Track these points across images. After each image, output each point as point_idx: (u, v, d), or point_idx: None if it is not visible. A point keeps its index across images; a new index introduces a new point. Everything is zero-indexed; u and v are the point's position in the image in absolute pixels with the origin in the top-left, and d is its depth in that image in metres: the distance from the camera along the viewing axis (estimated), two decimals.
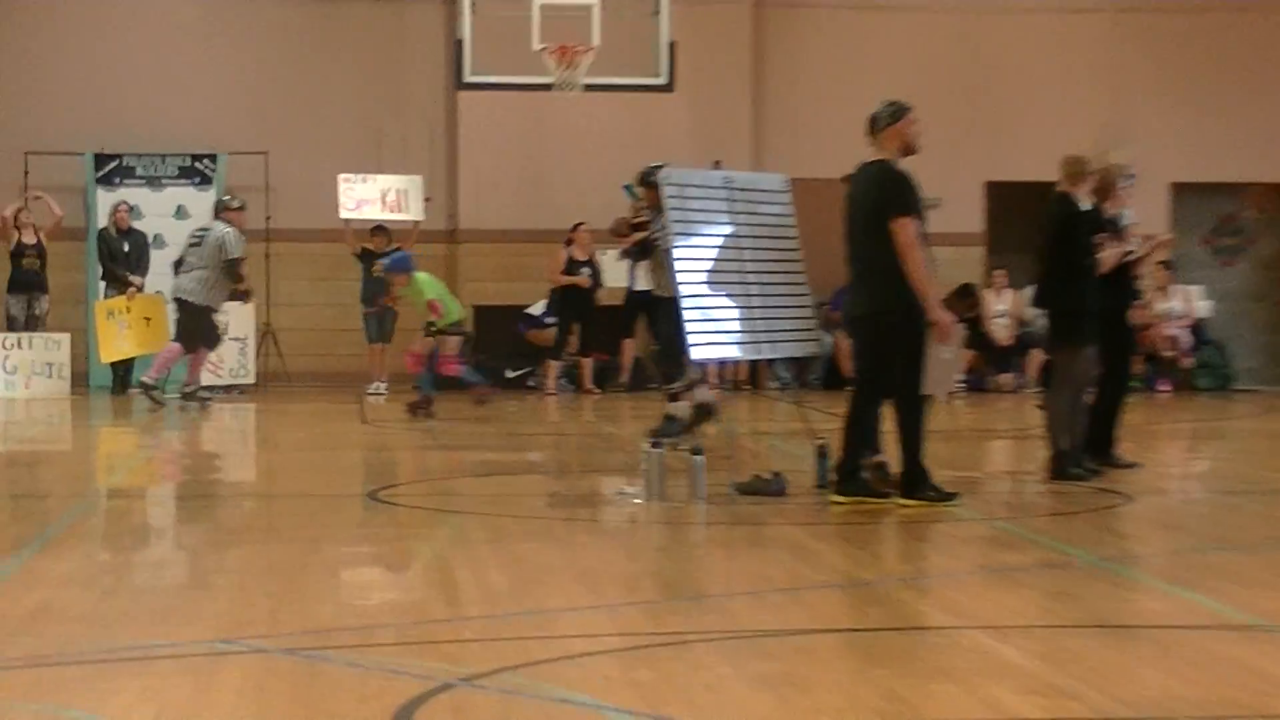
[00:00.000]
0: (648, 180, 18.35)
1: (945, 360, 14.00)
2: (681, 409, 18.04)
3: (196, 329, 23.42)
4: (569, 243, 27.14)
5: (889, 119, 14.21)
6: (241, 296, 24.18)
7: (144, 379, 23.74)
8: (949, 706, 7.84)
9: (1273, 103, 30.38)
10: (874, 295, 14.02)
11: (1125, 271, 17.06)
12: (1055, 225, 16.69)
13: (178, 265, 24.58)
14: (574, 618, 10.00)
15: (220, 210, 24.20)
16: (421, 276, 22.61)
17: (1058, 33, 30.46)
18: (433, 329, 22.60)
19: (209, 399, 23.92)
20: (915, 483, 14.17)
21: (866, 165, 14.20)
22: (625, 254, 20.38)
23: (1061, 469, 16.21)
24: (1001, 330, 29.12)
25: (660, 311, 18.44)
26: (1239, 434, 21.68)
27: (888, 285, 13.86)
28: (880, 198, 13.96)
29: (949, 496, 14.28)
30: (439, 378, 22.83)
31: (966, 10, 30.21)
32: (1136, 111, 29.73)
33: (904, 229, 13.75)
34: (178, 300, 23.89)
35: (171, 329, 24.64)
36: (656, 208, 17.79)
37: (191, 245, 24.09)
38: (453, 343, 23.02)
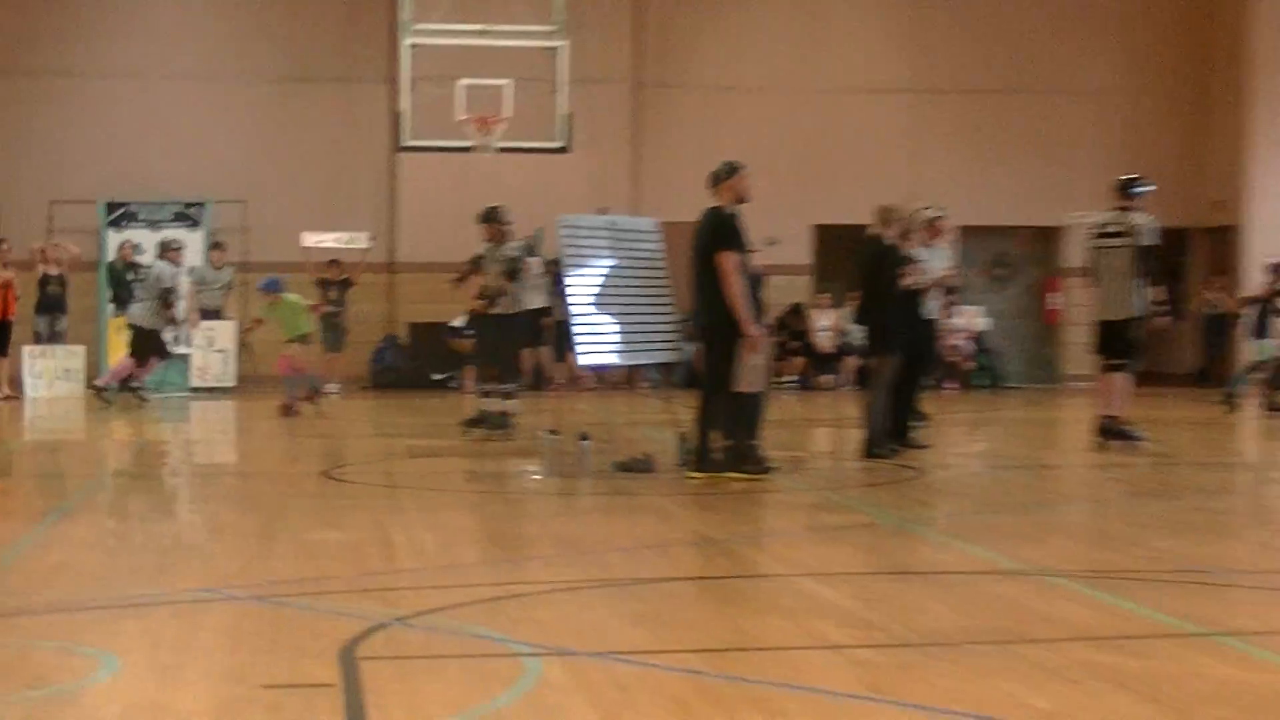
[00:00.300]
0: (487, 218, 18.55)
1: (755, 364, 14.13)
2: (512, 406, 18.17)
3: (146, 346, 23.07)
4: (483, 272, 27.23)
5: (725, 175, 14.35)
6: (172, 322, 23.68)
7: (96, 383, 23.54)
8: (783, 637, 7.95)
9: (1035, 164, 30.61)
10: (709, 311, 14.16)
11: (919, 295, 17.21)
12: (869, 260, 16.89)
13: (130, 297, 24.51)
14: (487, 570, 10.06)
15: (162, 251, 23.92)
16: (289, 296, 22.46)
17: (870, 108, 30.62)
18: (296, 338, 22.54)
19: (124, 394, 23.59)
20: (743, 458, 14.30)
21: (706, 211, 14.32)
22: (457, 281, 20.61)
23: (871, 450, 16.37)
24: (825, 340, 29.27)
25: (489, 326, 18.50)
26: (1008, 421, 21.82)
27: (718, 304, 14.03)
28: (712, 236, 14.09)
29: (768, 471, 14.40)
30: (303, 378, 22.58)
31: (798, 91, 30.35)
32: (932, 170, 29.97)
33: (726, 260, 13.90)
34: (130, 325, 23.61)
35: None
36: (496, 240, 18.03)
37: (139, 281, 23.91)
38: (303, 349, 22.90)
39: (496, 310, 18.30)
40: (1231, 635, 7.94)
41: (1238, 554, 11.39)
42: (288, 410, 21.54)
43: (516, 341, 18.77)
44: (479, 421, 18.29)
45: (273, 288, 22.31)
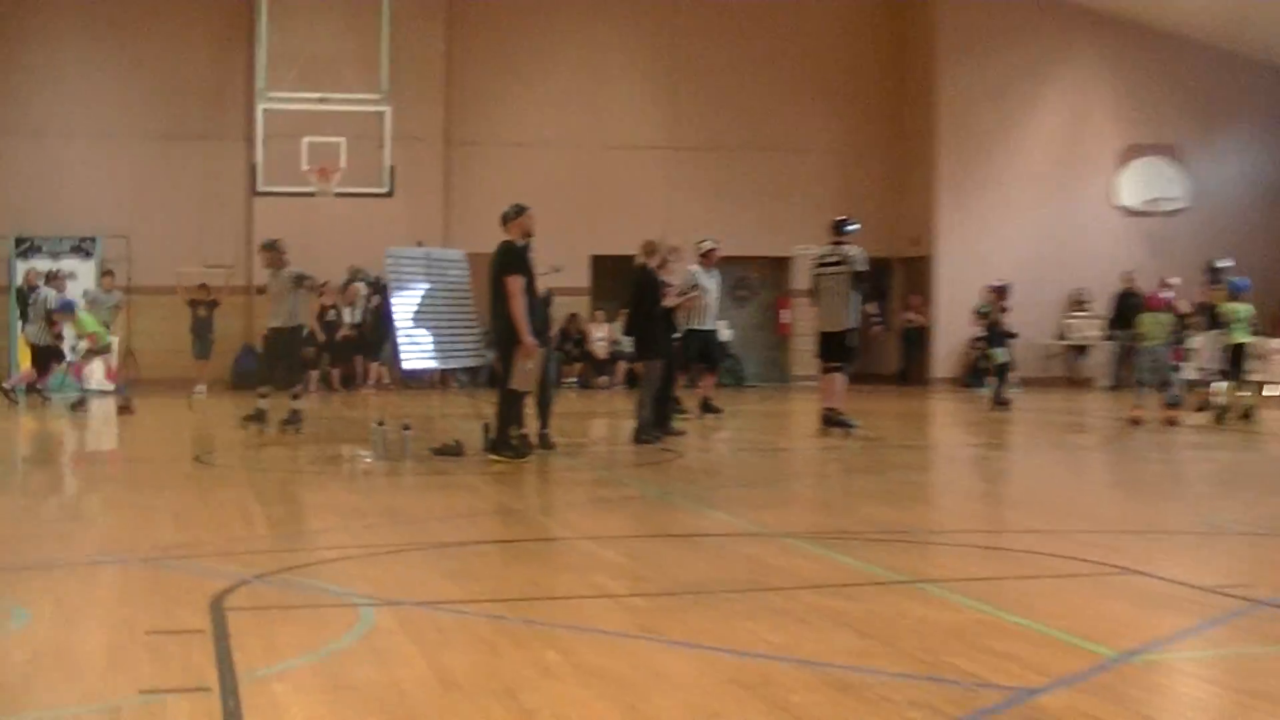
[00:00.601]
0: (267, 247, 18.41)
1: (528, 369, 14.17)
2: (300, 404, 17.99)
3: (44, 358, 22.50)
4: (322, 293, 26.97)
5: (514, 215, 14.48)
6: (59, 338, 23.10)
7: (4, 385, 22.92)
8: (569, 588, 7.96)
9: (768, 206, 30.83)
10: (500, 324, 14.20)
11: (674, 312, 17.34)
12: (636, 283, 17.00)
13: (25, 318, 23.96)
14: (329, 535, 9.97)
15: (48, 279, 23.36)
16: (83, 316, 22.01)
17: (635, 160, 30.68)
18: (90, 352, 22.11)
19: (33, 395, 22.95)
20: (501, 445, 14.31)
21: (500, 244, 14.38)
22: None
23: (639, 437, 16.42)
24: (601, 349, 29.28)
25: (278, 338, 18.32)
26: (749, 414, 21.99)
27: (506, 318, 14.06)
28: (502, 264, 14.18)
29: (524, 455, 14.43)
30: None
31: (578, 146, 30.36)
32: (686, 210, 30.12)
33: (512, 284, 14.04)
34: (30, 343, 23.02)
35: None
36: (275, 266, 17.89)
37: (31, 304, 23.32)
38: (104, 359, 22.55)
39: (276, 324, 18.07)
40: (928, 582, 8.07)
41: (932, 518, 11.59)
42: (123, 409, 21.03)
43: (295, 349, 18.52)
44: (255, 418, 18.01)
45: (67, 309, 21.84)
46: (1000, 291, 23.52)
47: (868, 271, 17.92)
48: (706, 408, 20.26)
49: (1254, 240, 31.49)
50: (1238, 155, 32.62)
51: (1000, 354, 23.15)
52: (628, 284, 17.51)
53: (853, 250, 17.85)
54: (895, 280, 32.71)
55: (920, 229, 31.45)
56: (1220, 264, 21.35)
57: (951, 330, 30.79)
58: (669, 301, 17.08)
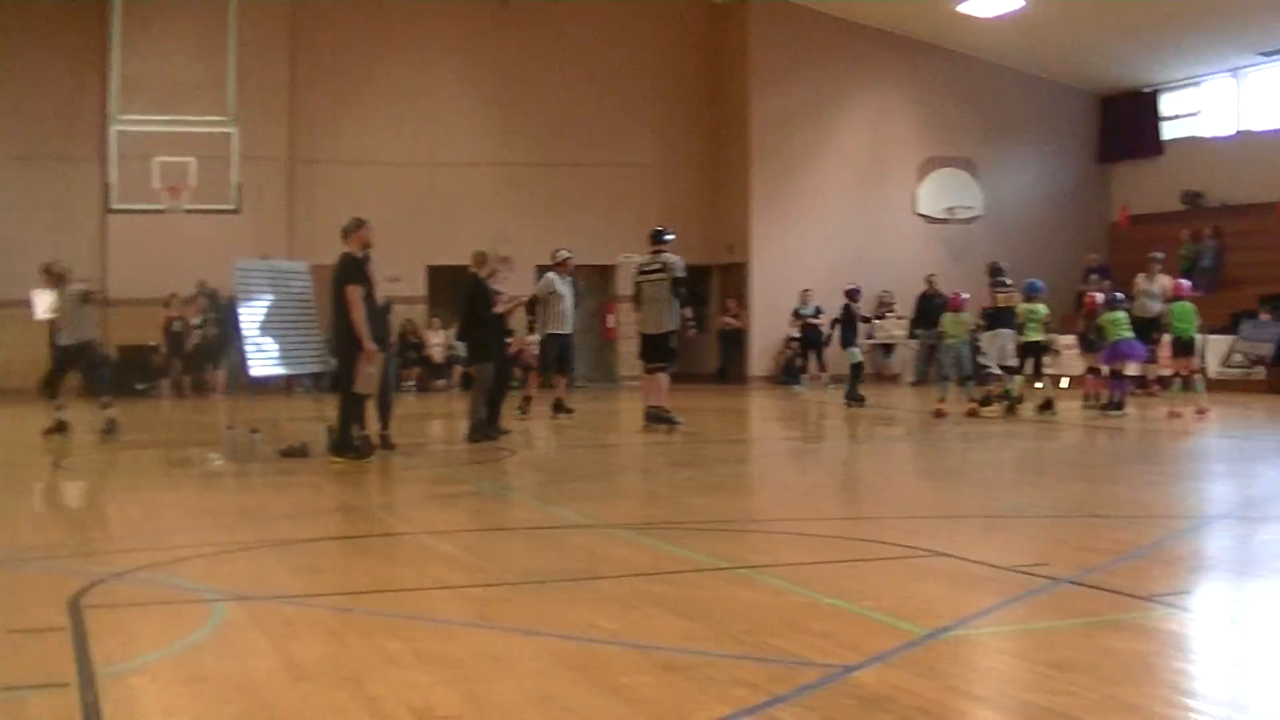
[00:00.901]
0: (43, 269, 18.25)
1: (369, 373, 14.07)
2: (112, 412, 17.67)
3: None
4: (168, 305, 26.60)
5: (353, 228, 14.39)
6: None
7: None
8: (410, 580, 7.87)
9: (595, 218, 30.88)
10: (341, 332, 14.09)
11: (505, 318, 17.26)
12: (467, 292, 16.93)
13: None
14: (182, 535, 9.79)
15: None
16: None
17: (470, 176, 30.56)
18: None
19: None
20: (343, 446, 14.20)
21: (340, 256, 14.27)
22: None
23: (474, 435, 16.33)
24: (437, 353, 29.09)
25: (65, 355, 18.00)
26: (578, 412, 21.94)
27: (346, 326, 13.97)
28: (342, 275, 14.10)
29: (365, 455, 14.33)
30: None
31: (416, 163, 30.17)
32: (518, 223, 30.07)
33: (351, 293, 13.95)
34: None
35: None
36: (56, 286, 17.73)
37: None
38: None
39: (64, 342, 17.75)
40: (748, 568, 8.09)
41: (753, 507, 11.65)
42: None
43: (91, 363, 18.15)
44: (56, 429, 17.61)
45: None
46: (852, 294, 23.63)
47: (685, 278, 18.08)
48: (558, 408, 20.20)
49: (1043, 245, 32.26)
50: (1028, 167, 33.38)
51: (855, 354, 23.32)
52: (461, 293, 17.46)
53: (671, 258, 18.01)
54: (714, 285, 32.99)
55: (736, 237, 31.71)
56: (999, 265, 21.72)
57: (766, 332, 31.14)
58: (500, 308, 17.01)
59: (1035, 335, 20.29)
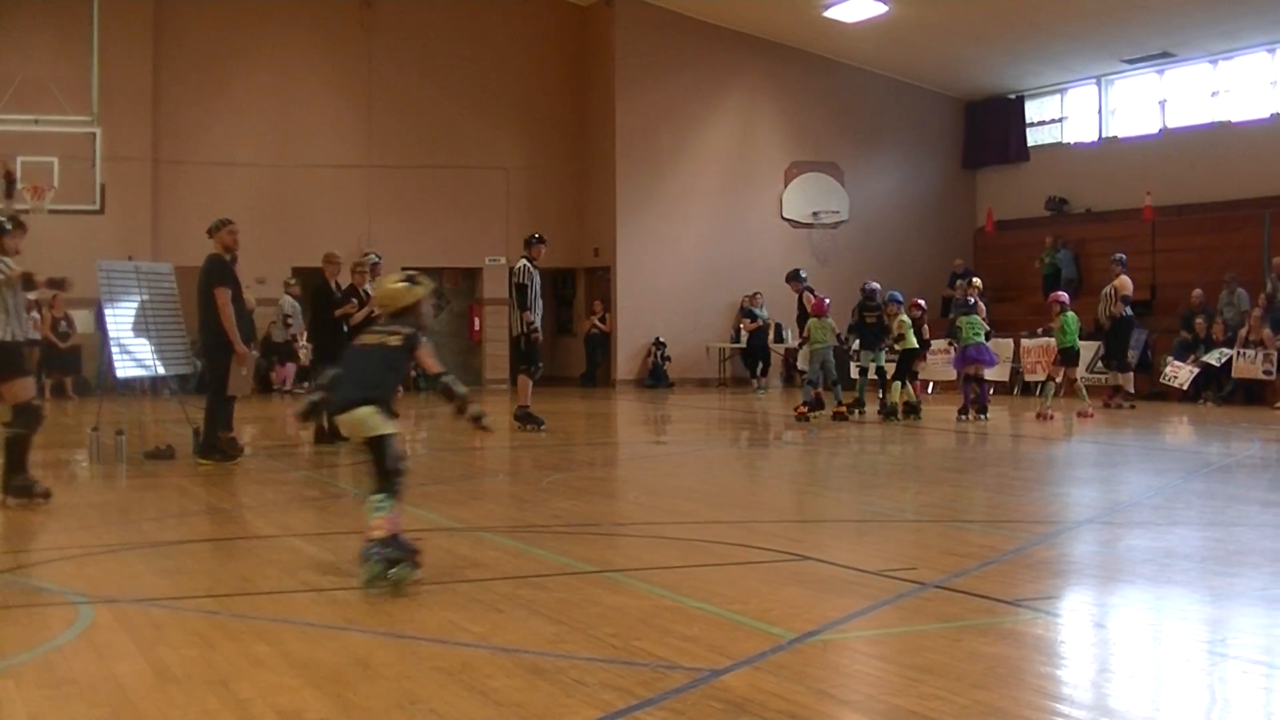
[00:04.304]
0: None
1: (241, 374, 14.06)
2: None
3: None
4: (52, 306, 26.37)
5: (217, 228, 14.41)
6: None
7: None
8: (278, 583, 7.84)
9: (463, 221, 30.87)
10: (209, 333, 14.01)
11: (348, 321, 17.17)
12: (313, 294, 17.03)
13: None
14: (47, 537, 9.74)
15: None
16: None
17: (335, 178, 30.39)
18: None
19: None
20: (209, 449, 14.12)
21: (207, 257, 14.21)
22: None
23: (332, 438, 16.14)
24: (305, 355, 28.79)
25: None
26: (444, 415, 21.77)
27: (215, 327, 13.94)
28: (208, 276, 14.11)
29: (232, 457, 14.27)
30: None
31: (281, 165, 29.99)
32: (384, 225, 30.00)
33: (220, 295, 14.03)
34: None
35: None
36: None
37: None
38: None
39: None
40: (616, 571, 8.14)
41: (619, 511, 11.69)
42: None
43: None
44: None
45: None
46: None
47: (527, 285, 18.44)
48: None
49: (910, 250, 32.79)
50: (894, 172, 33.86)
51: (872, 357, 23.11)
52: (311, 293, 17.51)
53: (517, 264, 18.40)
54: (580, 288, 33.06)
55: (602, 240, 31.82)
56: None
57: (632, 335, 31.28)
58: (351, 311, 16.95)
59: (911, 342, 20.80)
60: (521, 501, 12.08)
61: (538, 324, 18.77)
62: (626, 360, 31.54)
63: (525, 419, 18.52)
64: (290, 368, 28.85)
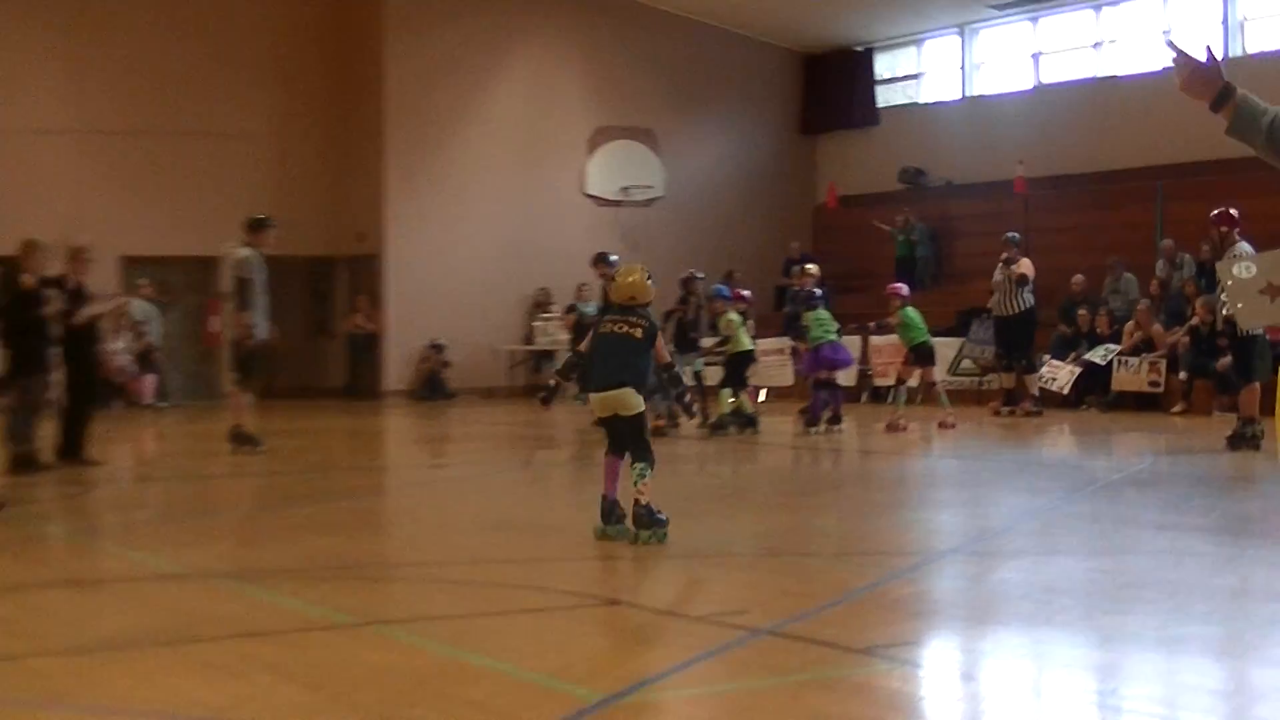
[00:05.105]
0: None
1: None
2: None
3: None
4: None
5: None
6: None
7: None
8: None
9: (192, 199, 30.35)
10: None
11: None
12: (3, 288, 16.46)
13: None
14: None
15: None
16: None
17: (33, 147, 29.68)
18: None
19: None
20: None
21: None
22: None
23: (20, 468, 15.94)
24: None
25: None
26: (174, 436, 21.52)
27: None
28: None
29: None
30: None
31: None
32: (95, 204, 29.36)
33: None
34: None
35: None
36: None
37: None
38: None
39: None
40: (383, 623, 8.04)
41: (389, 549, 11.59)
42: None
43: None
44: None
45: None
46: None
47: (249, 280, 18.29)
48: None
49: (737, 232, 33.14)
50: (718, 139, 34.21)
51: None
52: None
53: (242, 252, 18.16)
54: (340, 281, 32.79)
55: (368, 223, 31.57)
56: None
57: (405, 337, 31.10)
58: (91, 311, 16.60)
59: (745, 344, 20.85)
60: (268, 540, 11.89)
61: (262, 328, 18.49)
62: (398, 367, 31.34)
63: (241, 439, 18.37)
64: (150, 379, 28.65)
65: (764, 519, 12.65)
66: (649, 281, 11.09)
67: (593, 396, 11.03)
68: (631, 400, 10.70)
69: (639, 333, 10.80)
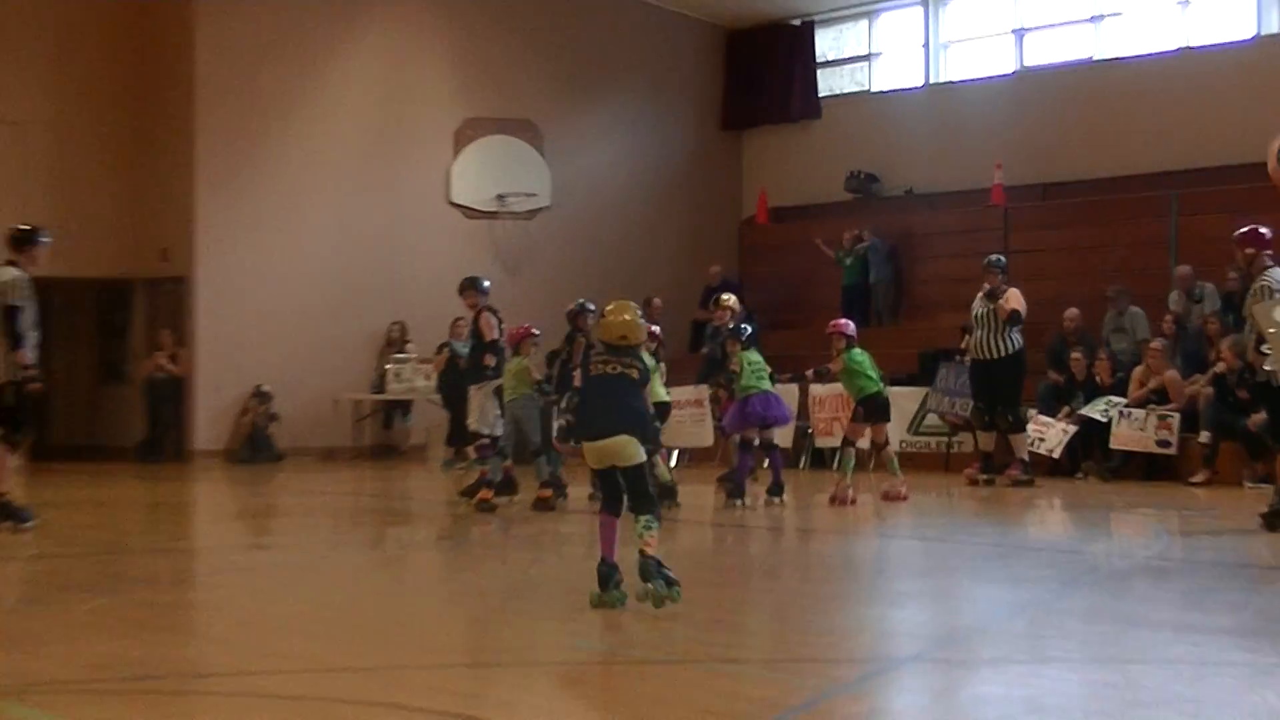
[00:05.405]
0: None
1: None
2: None
3: None
4: None
5: None
6: None
7: None
8: None
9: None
10: None
11: None
12: None
13: None
14: None
15: None
16: None
17: None
18: None
19: None
20: None
21: None
22: None
23: None
24: None
25: None
26: None
27: None
28: None
29: None
30: None
31: None
32: None
33: None
34: None
35: None
36: None
37: None
38: None
39: None
40: None
41: (195, 654, 11.44)
42: None
43: None
44: None
45: None
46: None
47: (17, 308, 17.93)
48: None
49: (643, 252, 33.21)
50: (617, 135, 34.29)
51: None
52: None
53: (8, 274, 17.96)
54: (138, 311, 32.57)
55: (173, 238, 31.45)
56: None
57: (220, 382, 30.93)
58: None
59: (660, 394, 20.65)
60: (39, 643, 11.74)
61: (33, 366, 18.29)
62: (211, 420, 31.18)
63: (5, 513, 18.02)
64: None
65: (678, 615, 12.55)
66: (642, 320, 12.57)
67: (586, 446, 12.27)
68: (631, 450, 12.00)
69: (634, 372, 12.19)
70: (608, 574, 12.08)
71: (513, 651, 10.64)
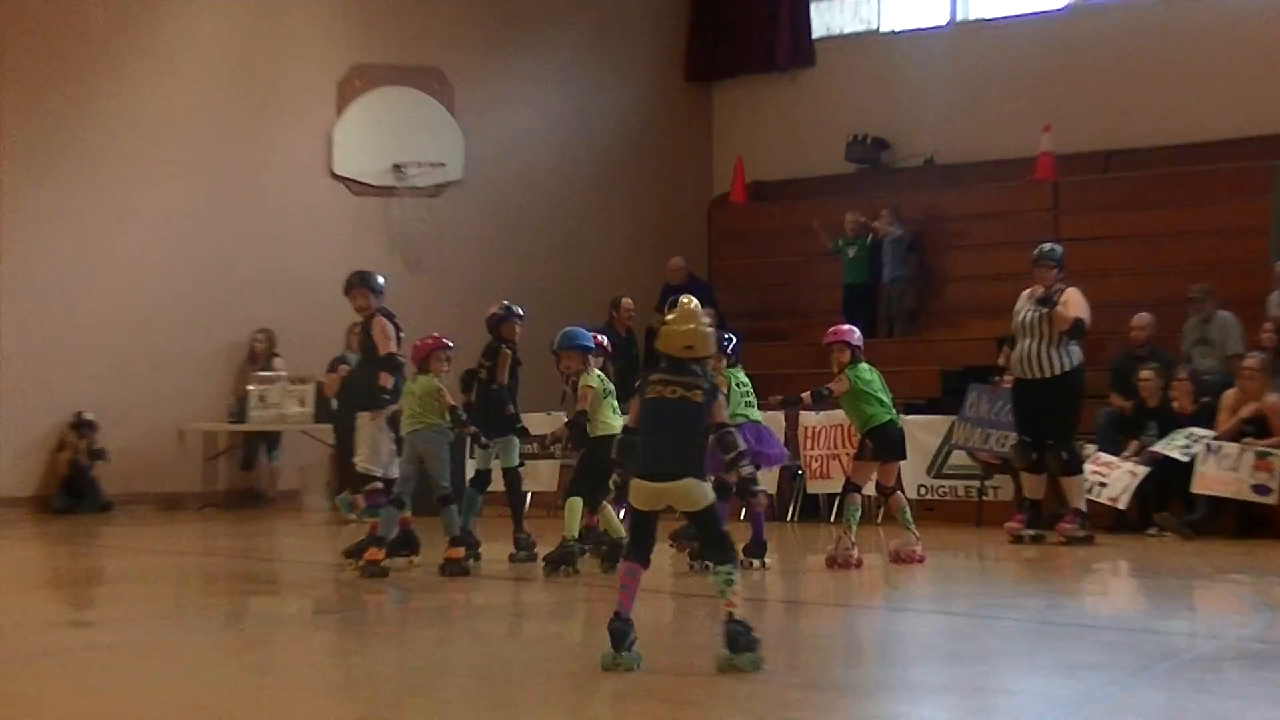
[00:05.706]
0: None
1: None
2: None
3: None
4: None
5: None
6: None
7: None
8: None
9: None
10: None
11: None
12: None
13: None
14: None
15: None
16: None
17: None
18: None
19: None
20: None
21: None
22: None
23: None
24: None
25: None
26: None
27: None
28: None
29: None
30: None
31: None
32: None
33: None
34: None
35: None
36: None
37: None
38: None
39: None
40: None
41: None
42: None
43: None
44: None
45: None
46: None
47: None
48: None
49: (587, 242, 33.18)
50: (551, 89, 34.30)
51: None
52: None
53: None
54: None
55: None
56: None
57: (27, 410, 30.85)
58: None
59: (611, 424, 20.45)
60: None
61: None
62: (16, 458, 31.24)
63: None
64: None
65: (626, 706, 12.51)
66: (710, 329, 13.06)
67: (638, 484, 12.83)
68: (696, 494, 12.70)
69: (698, 394, 12.72)
70: (623, 631, 12.67)
71: None
